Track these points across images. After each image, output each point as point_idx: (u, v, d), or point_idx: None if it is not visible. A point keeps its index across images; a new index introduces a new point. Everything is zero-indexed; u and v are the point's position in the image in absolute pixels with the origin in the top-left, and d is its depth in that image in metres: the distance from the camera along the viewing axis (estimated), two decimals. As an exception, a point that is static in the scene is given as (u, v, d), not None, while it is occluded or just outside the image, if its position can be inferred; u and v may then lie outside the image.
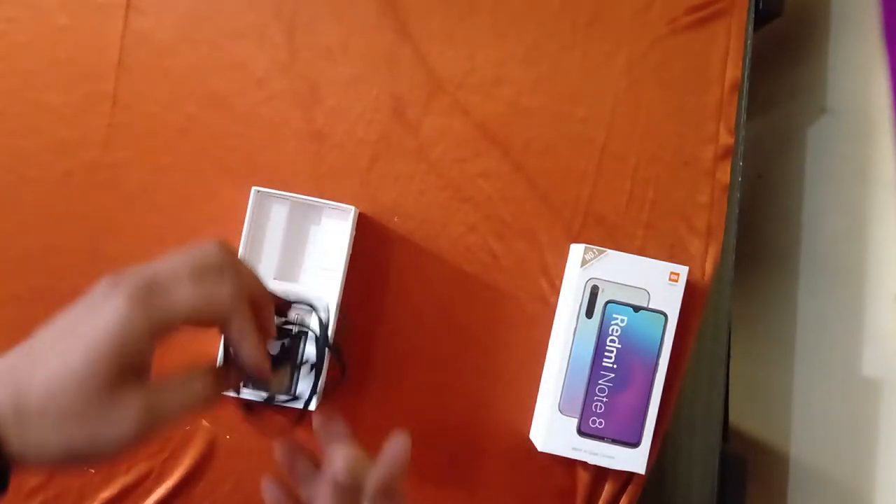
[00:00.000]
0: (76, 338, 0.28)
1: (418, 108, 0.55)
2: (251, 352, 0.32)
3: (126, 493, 0.52)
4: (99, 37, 0.54)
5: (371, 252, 0.55)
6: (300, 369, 0.44)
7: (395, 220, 0.55)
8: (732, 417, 0.71)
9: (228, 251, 0.33)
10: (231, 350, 0.33)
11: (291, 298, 0.36)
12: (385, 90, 0.55)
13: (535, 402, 0.54)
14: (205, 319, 0.30)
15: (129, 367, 0.28)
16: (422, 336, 0.55)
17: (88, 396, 0.27)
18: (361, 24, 0.55)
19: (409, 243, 0.55)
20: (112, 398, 0.28)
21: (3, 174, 0.53)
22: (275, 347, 0.41)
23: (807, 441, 0.64)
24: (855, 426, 0.57)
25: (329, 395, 0.53)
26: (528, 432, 0.54)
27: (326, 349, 0.45)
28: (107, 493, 0.52)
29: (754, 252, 0.76)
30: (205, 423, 0.53)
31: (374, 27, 0.55)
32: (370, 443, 0.54)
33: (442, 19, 0.56)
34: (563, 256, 0.55)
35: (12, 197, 0.53)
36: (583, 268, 0.51)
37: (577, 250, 0.52)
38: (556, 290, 0.55)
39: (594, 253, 0.51)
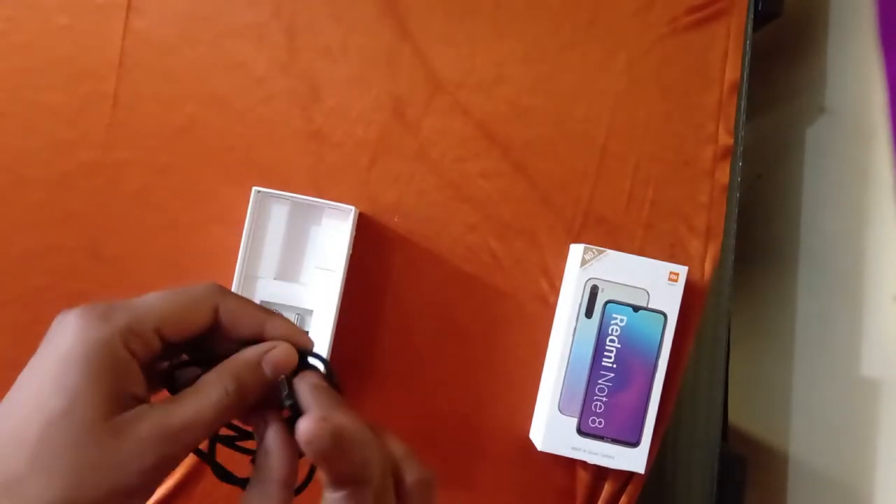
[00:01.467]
0: (47, 383, 0.24)
1: (418, 108, 0.55)
2: (252, 319, 0.28)
3: (126, 493, 0.52)
4: (99, 37, 0.54)
5: (371, 252, 0.55)
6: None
7: (395, 220, 0.55)
8: (732, 417, 0.71)
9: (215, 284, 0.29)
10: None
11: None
12: (385, 90, 0.55)
13: (535, 401, 0.54)
14: (185, 318, 0.27)
15: (115, 393, 0.24)
16: (422, 336, 0.55)
17: (85, 443, 0.23)
18: (361, 24, 0.55)
19: (409, 243, 0.55)
20: (114, 436, 0.24)
21: (3, 174, 0.53)
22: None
23: (806, 441, 0.64)
24: (855, 426, 0.57)
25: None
26: (528, 432, 0.54)
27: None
28: (107, 493, 0.52)
29: (754, 252, 0.76)
30: (205, 423, 0.53)
31: (373, 27, 0.55)
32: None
33: (442, 19, 0.56)
34: (563, 256, 0.55)
35: (12, 197, 0.53)
36: (582, 268, 0.51)
37: (576, 250, 0.52)
38: (556, 290, 0.55)
39: (594, 253, 0.51)
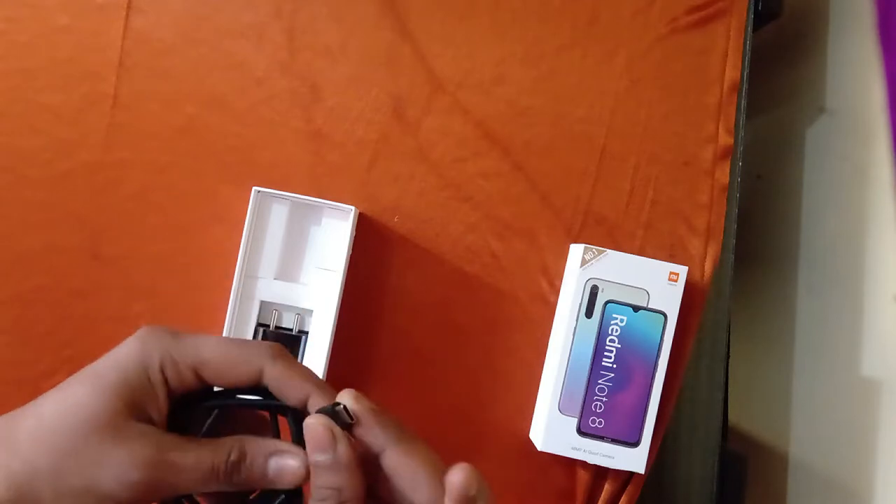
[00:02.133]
0: (85, 374, 0.26)
1: (418, 108, 0.55)
2: (296, 390, 0.28)
3: (126, 493, 0.52)
4: (99, 37, 0.54)
5: (371, 252, 0.55)
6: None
7: (395, 220, 0.55)
8: (732, 417, 0.71)
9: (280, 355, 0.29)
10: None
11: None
12: (385, 90, 0.55)
13: (535, 401, 0.54)
14: (226, 369, 0.27)
15: (134, 404, 0.26)
16: (422, 336, 0.55)
17: (86, 430, 0.24)
18: (361, 24, 0.55)
19: (409, 243, 0.55)
20: (114, 437, 0.25)
21: (3, 174, 0.53)
22: None
23: (806, 441, 0.64)
24: (855, 426, 0.57)
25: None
26: (528, 432, 0.54)
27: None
28: (106, 493, 0.52)
29: (754, 252, 0.76)
30: (205, 423, 0.53)
31: (374, 27, 0.55)
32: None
33: (442, 19, 0.56)
34: (563, 256, 0.55)
35: (12, 197, 0.53)
36: (582, 268, 0.51)
37: (576, 250, 0.52)
38: (556, 290, 0.55)
39: (594, 253, 0.51)
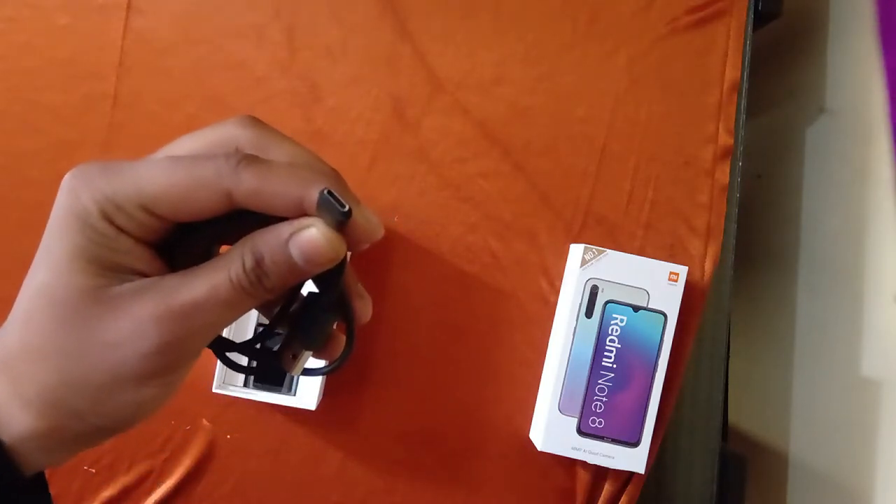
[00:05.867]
0: (38, 260, 0.22)
1: (418, 108, 0.55)
2: (284, 199, 0.21)
3: (126, 492, 0.52)
4: (99, 37, 0.54)
5: (371, 252, 0.55)
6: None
7: (395, 220, 0.55)
8: (732, 417, 0.71)
9: (252, 124, 0.23)
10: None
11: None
12: (385, 90, 0.55)
13: (535, 401, 0.54)
14: (183, 200, 0.21)
15: (104, 266, 0.21)
16: (422, 336, 0.55)
17: (70, 315, 0.21)
18: (361, 24, 0.55)
19: (409, 243, 0.55)
20: (105, 304, 0.21)
21: (3, 174, 0.53)
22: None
23: (806, 441, 0.64)
24: (854, 426, 0.57)
25: (333, 389, 0.53)
26: (528, 432, 0.54)
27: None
28: (107, 493, 0.52)
29: (754, 252, 0.76)
30: (205, 422, 0.53)
31: (373, 27, 0.55)
32: (369, 442, 0.54)
33: (442, 19, 0.56)
34: (563, 256, 0.55)
35: (12, 197, 0.53)
36: (582, 268, 0.51)
37: (576, 250, 0.52)
38: (556, 290, 0.55)
39: (594, 253, 0.51)
